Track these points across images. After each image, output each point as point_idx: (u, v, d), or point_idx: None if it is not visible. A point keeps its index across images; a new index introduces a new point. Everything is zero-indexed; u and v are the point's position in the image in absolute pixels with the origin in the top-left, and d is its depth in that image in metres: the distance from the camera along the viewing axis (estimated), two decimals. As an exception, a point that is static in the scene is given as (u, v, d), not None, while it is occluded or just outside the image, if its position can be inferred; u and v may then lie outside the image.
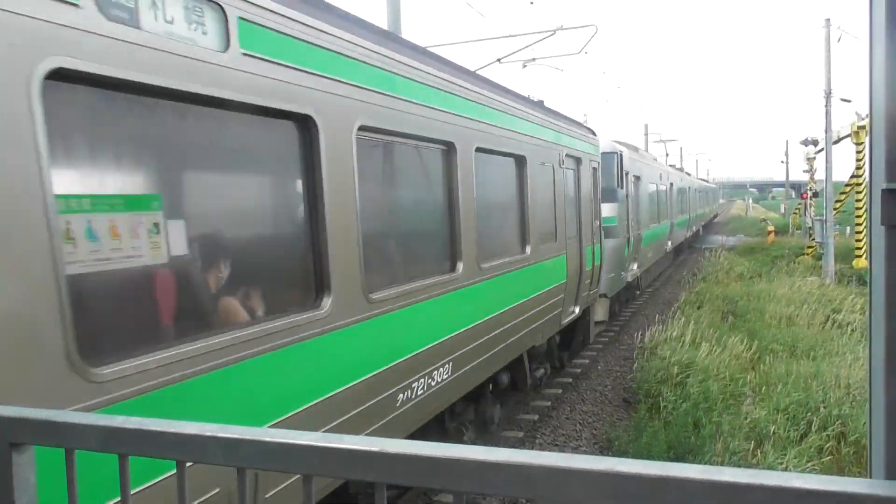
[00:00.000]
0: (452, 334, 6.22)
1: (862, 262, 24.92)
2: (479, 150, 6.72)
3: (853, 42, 25.45)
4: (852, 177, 26.52)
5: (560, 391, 11.04)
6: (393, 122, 5.09)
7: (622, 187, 15.49)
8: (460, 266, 6.31)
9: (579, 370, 12.35)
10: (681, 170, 45.32)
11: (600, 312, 14.41)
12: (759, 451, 8.46)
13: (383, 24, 11.63)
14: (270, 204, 4.38)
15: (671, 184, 27.42)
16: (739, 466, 7.98)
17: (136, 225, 3.09)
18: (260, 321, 3.80)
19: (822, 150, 27.82)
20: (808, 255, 30.73)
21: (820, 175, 30.75)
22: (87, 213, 2.90)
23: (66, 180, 2.82)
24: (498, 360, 7.67)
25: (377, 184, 5.39)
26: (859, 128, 24.08)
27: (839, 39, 25.53)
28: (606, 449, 9.09)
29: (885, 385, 1.14)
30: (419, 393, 5.61)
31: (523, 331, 8.35)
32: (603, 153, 13.59)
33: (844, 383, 10.32)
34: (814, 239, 31.21)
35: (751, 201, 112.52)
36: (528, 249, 8.35)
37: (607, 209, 14.02)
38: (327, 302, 4.25)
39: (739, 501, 1.05)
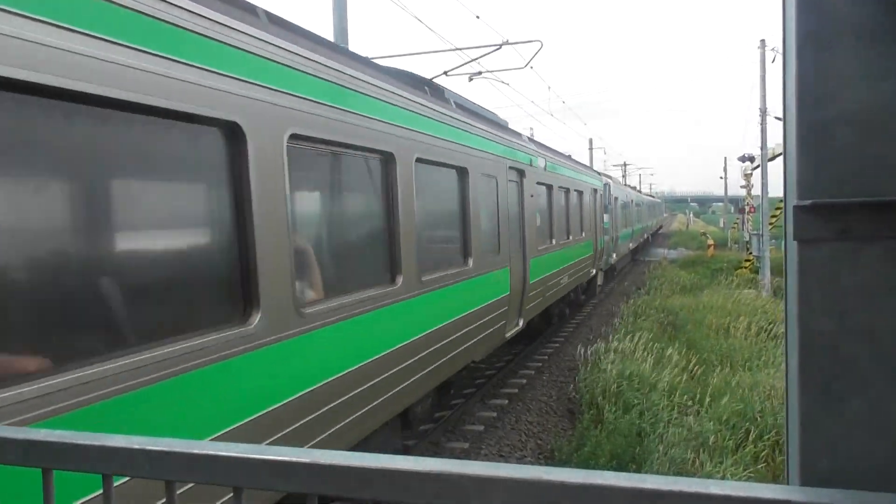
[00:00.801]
0: (570, 263, 15.77)
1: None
2: (572, 190, 16.51)
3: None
4: (787, 192, 27.38)
5: (506, 402, 11.10)
6: (551, 179, 13.95)
7: (610, 204, 24.72)
8: (554, 241, 14.09)
9: (525, 381, 12.46)
10: (635, 188, 57.04)
11: (599, 278, 22.98)
12: (697, 460, 8.64)
13: (329, 35, 11.60)
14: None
15: (632, 200, 36.65)
16: (680, 475, 8.17)
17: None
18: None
19: (759, 166, 28.78)
20: (745, 268, 31.69)
21: (757, 190, 31.77)
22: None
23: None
24: (576, 282, 17.30)
25: (540, 206, 13.11)
26: (793, 145, 24.90)
27: (773, 60, 26.50)
28: (550, 459, 9.17)
29: (798, 393, 1.19)
30: (564, 282, 14.94)
31: (579, 273, 17.60)
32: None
33: (780, 393, 10.63)
34: (751, 253, 32.24)
35: (691, 215, 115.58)
36: (583, 234, 18.03)
37: (605, 217, 22.89)
38: (554, 242, 14.02)
39: None
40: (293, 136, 4.51)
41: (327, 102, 4.96)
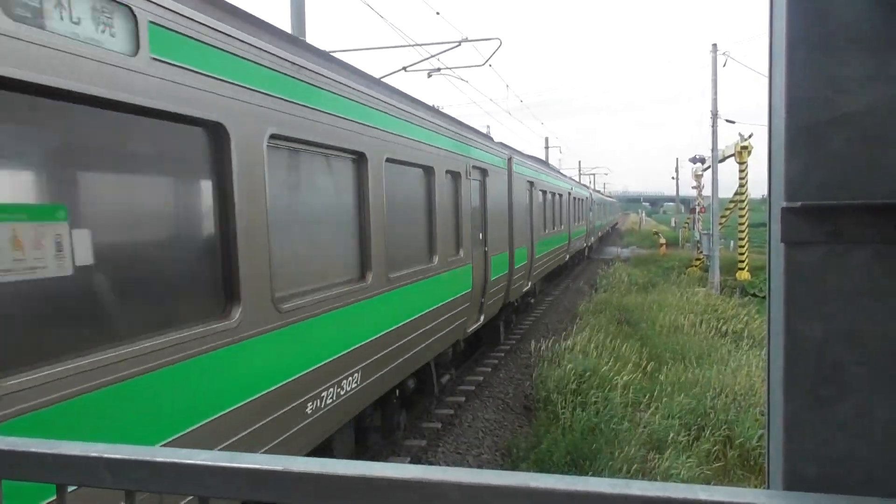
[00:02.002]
0: (581, 235, 31.64)
1: (744, 275, 26.41)
2: (581, 199, 31.73)
3: (738, 67, 27.95)
4: (736, 194, 28.08)
5: (463, 399, 11.10)
6: (578, 195, 31.15)
7: (592, 205, 38.28)
8: (578, 223, 29.97)
9: (482, 378, 12.48)
10: (599, 192, 69.22)
11: (587, 252, 38.67)
12: (657, 456, 8.76)
13: (286, 26, 11.40)
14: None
15: (602, 203, 52.81)
16: (636, 472, 8.27)
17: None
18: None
19: (709, 167, 29.38)
20: (696, 266, 32.35)
21: (707, 191, 32.48)
22: None
23: None
24: (567, 254, 26.47)
25: (576, 206, 31.17)
26: (742, 148, 25.50)
27: (724, 64, 27.05)
28: (507, 456, 9.20)
29: (783, 397, 1.18)
30: (581, 244, 32.36)
31: (582, 242, 32.62)
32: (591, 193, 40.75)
33: (731, 390, 10.87)
34: (701, 252, 32.93)
35: (644, 214, 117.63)
36: (587, 223, 35.13)
37: (591, 214, 37.29)
38: (578, 224, 32.08)
39: None
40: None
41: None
